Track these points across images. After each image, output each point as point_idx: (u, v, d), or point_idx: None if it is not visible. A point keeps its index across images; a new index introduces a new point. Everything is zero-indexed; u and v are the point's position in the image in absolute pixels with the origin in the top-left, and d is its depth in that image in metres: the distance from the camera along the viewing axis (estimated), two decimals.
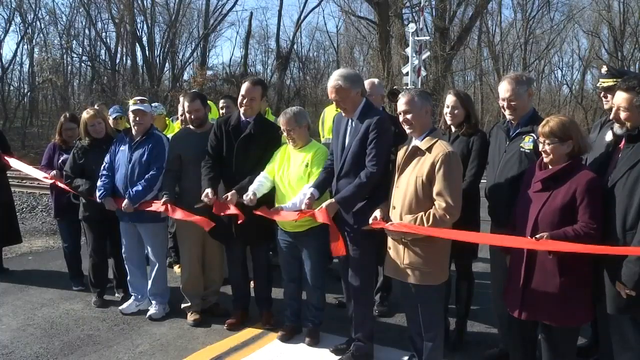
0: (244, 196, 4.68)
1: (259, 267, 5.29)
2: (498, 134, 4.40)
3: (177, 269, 6.84)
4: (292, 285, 5.01)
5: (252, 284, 5.47)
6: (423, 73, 18.03)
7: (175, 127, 7.20)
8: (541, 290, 3.51)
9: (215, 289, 5.68)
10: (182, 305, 5.59)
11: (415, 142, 3.93)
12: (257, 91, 5.01)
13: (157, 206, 5.20)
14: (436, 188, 3.72)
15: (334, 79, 4.30)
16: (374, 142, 4.17)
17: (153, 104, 7.11)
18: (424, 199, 3.79)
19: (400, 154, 4.05)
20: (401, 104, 3.92)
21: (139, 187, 5.27)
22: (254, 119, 5.03)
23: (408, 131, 3.96)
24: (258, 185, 4.73)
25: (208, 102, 7.83)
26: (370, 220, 4.03)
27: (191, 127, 5.49)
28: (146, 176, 5.31)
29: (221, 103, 6.89)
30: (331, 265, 5.70)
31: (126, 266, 5.74)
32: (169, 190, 5.26)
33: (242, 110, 5.02)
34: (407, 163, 3.95)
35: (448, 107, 4.65)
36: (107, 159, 5.57)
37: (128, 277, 5.76)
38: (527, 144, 4.04)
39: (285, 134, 4.74)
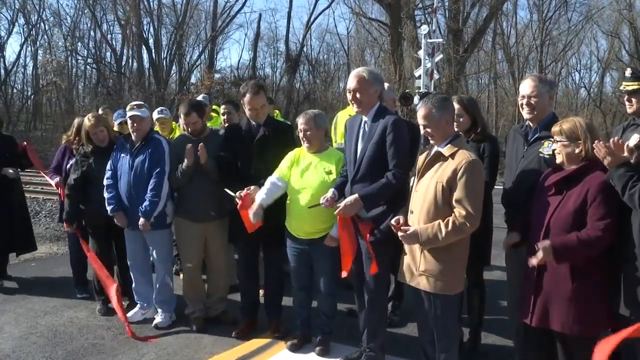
0: (249, 211, 4.72)
1: (271, 273, 5.30)
2: (516, 138, 4.38)
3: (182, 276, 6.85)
4: (302, 293, 5.00)
5: (261, 292, 5.47)
6: (436, 76, 18.00)
7: (177, 132, 7.23)
8: (553, 297, 3.49)
9: (221, 296, 5.68)
10: (186, 311, 5.61)
11: (438, 148, 3.92)
12: (262, 97, 5.12)
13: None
14: (457, 195, 3.71)
15: (360, 69, 4.42)
16: (395, 144, 4.18)
17: (159, 109, 7.15)
18: (442, 205, 3.77)
19: (421, 158, 4.06)
20: (419, 117, 3.92)
21: (147, 203, 5.28)
22: (265, 121, 5.14)
23: (431, 141, 3.98)
24: (267, 196, 4.75)
25: (214, 107, 7.96)
26: (393, 222, 3.99)
27: (187, 134, 5.56)
28: (149, 186, 5.32)
29: (222, 109, 6.93)
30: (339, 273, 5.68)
31: (131, 273, 5.74)
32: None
33: (254, 118, 5.11)
34: (428, 168, 3.94)
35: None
36: (109, 166, 5.57)
37: (133, 285, 5.76)
38: (546, 149, 4.01)
39: (301, 134, 4.76)
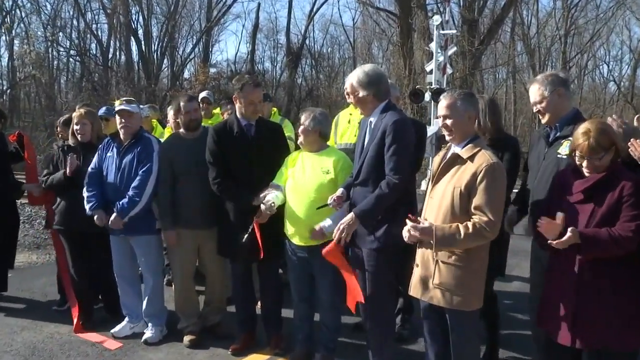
0: (262, 207, 4.75)
1: (267, 285, 5.29)
2: (539, 141, 4.43)
3: None
4: (303, 305, 4.99)
5: (258, 304, 5.46)
6: (449, 71, 17.95)
7: (166, 132, 7.24)
8: (593, 312, 3.46)
9: (216, 306, 5.68)
10: (179, 326, 5.61)
11: (455, 149, 3.89)
12: (262, 90, 5.17)
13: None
14: (476, 201, 3.67)
15: (355, 72, 4.44)
16: (393, 148, 4.16)
17: (142, 106, 7.16)
18: (460, 213, 3.73)
19: (437, 161, 4.02)
20: (441, 107, 3.90)
21: (126, 200, 5.29)
22: (256, 121, 5.15)
23: (447, 138, 3.94)
24: (275, 197, 4.78)
25: (214, 111, 8.05)
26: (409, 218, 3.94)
27: (182, 132, 5.53)
28: (133, 183, 5.31)
29: (228, 110, 6.92)
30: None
31: (118, 284, 5.72)
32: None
33: (250, 115, 5.08)
34: (444, 172, 3.89)
35: None
36: (93, 164, 5.56)
37: (120, 297, 5.74)
38: (564, 149, 4.02)
39: (300, 129, 4.81)
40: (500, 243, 4.48)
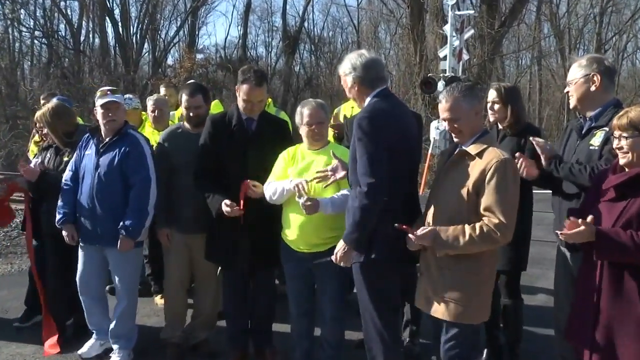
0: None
1: (262, 292, 5.33)
2: (571, 133, 4.46)
3: (158, 299, 6.91)
4: (303, 320, 4.99)
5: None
6: (465, 57, 17.94)
7: (147, 125, 7.26)
8: (617, 324, 3.46)
9: (205, 321, 5.70)
10: (162, 335, 5.67)
11: (462, 146, 3.90)
12: (263, 91, 5.13)
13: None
14: (485, 201, 3.66)
15: (343, 62, 4.45)
16: (359, 147, 4.09)
17: (126, 96, 7.18)
18: (467, 214, 3.73)
19: (441, 159, 4.05)
20: (443, 110, 3.89)
21: (130, 220, 5.15)
22: (259, 116, 5.17)
23: (456, 139, 3.97)
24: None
25: (213, 101, 8.05)
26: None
27: (186, 124, 5.55)
28: (133, 198, 5.21)
29: None
30: (350, 296, 5.68)
31: (82, 300, 5.56)
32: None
33: (248, 112, 5.12)
34: (449, 171, 3.91)
35: (488, 102, 5.09)
36: (70, 166, 5.49)
37: (85, 314, 5.61)
38: (596, 139, 4.06)
39: (306, 128, 4.77)
40: (522, 236, 4.55)
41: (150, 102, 7.14)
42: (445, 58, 17.25)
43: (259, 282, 5.32)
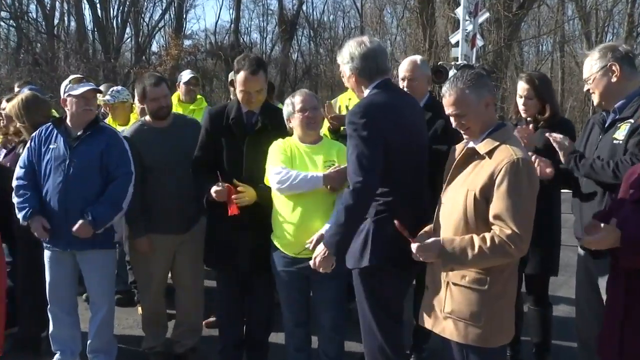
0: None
1: (259, 299, 5.32)
2: (593, 128, 4.45)
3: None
4: (300, 331, 5.00)
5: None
6: (479, 43, 17.97)
7: (132, 118, 7.30)
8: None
9: (191, 328, 5.73)
10: (143, 346, 5.70)
11: (472, 142, 3.76)
12: (261, 79, 5.09)
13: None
14: (494, 209, 3.48)
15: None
16: (349, 145, 4.13)
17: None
18: (476, 223, 3.58)
19: (451, 157, 3.91)
20: (447, 105, 3.75)
21: (102, 208, 5.12)
22: (261, 109, 5.17)
23: (466, 136, 3.83)
24: None
25: (198, 96, 8.11)
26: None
27: (148, 119, 5.57)
28: (111, 189, 5.19)
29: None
30: (352, 306, 5.70)
31: (49, 312, 5.49)
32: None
33: (245, 103, 5.13)
34: (459, 171, 3.78)
35: (521, 97, 5.11)
36: (22, 162, 5.35)
37: (50, 329, 5.53)
38: (620, 133, 4.05)
39: (300, 116, 4.78)
40: (552, 238, 4.55)
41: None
42: (457, 44, 17.32)
43: (256, 288, 5.31)
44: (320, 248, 4.18)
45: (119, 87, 7.57)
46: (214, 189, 4.85)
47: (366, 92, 4.30)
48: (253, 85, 5.01)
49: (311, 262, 4.24)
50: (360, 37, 4.58)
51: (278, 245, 4.82)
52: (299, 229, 4.68)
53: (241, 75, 5.00)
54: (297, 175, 4.60)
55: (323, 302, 4.81)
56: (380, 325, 4.25)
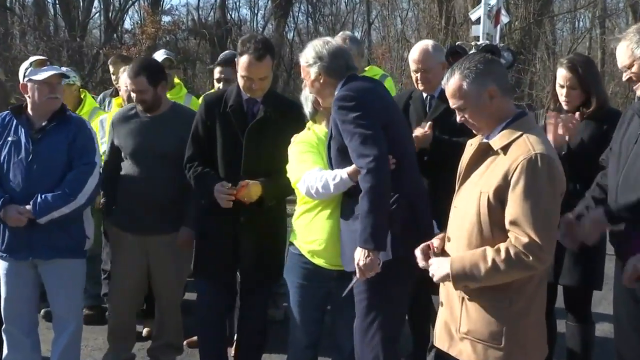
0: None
1: (252, 314, 5.34)
2: (632, 119, 4.41)
3: None
4: (310, 353, 5.01)
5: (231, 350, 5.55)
6: (505, 19, 17.94)
7: (115, 104, 7.30)
8: None
9: (170, 342, 5.81)
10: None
11: (485, 138, 3.76)
12: (268, 65, 5.14)
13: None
14: (510, 214, 3.46)
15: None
16: (346, 130, 4.21)
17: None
18: (491, 229, 3.56)
19: (465, 155, 3.89)
20: (448, 97, 3.76)
21: (51, 196, 5.07)
22: (264, 97, 5.20)
23: (476, 131, 3.86)
24: None
25: (176, 80, 8.12)
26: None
27: (139, 107, 5.64)
28: (67, 178, 5.19)
29: (217, 73, 6.97)
30: None
31: (3, 333, 5.51)
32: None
33: (246, 90, 5.17)
34: (472, 170, 3.76)
35: (562, 86, 5.06)
36: None
37: (5, 353, 5.50)
38: None
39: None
40: (597, 245, 4.57)
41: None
42: (478, 21, 17.26)
43: (250, 301, 5.33)
44: (359, 253, 4.19)
45: (65, 68, 7.53)
46: (221, 189, 4.89)
47: (336, 92, 4.41)
48: (257, 72, 5.05)
49: (357, 275, 4.25)
50: (321, 37, 4.78)
51: (303, 253, 4.78)
52: (333, 235, 4.65)
53: (245, 59, 5.03)
54: (326, 180, 4.48)
55: (347, 324, 4.73)
56: (387, 322, 4.40)
